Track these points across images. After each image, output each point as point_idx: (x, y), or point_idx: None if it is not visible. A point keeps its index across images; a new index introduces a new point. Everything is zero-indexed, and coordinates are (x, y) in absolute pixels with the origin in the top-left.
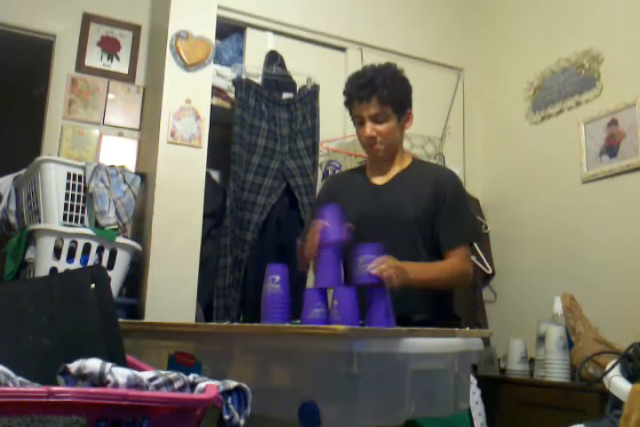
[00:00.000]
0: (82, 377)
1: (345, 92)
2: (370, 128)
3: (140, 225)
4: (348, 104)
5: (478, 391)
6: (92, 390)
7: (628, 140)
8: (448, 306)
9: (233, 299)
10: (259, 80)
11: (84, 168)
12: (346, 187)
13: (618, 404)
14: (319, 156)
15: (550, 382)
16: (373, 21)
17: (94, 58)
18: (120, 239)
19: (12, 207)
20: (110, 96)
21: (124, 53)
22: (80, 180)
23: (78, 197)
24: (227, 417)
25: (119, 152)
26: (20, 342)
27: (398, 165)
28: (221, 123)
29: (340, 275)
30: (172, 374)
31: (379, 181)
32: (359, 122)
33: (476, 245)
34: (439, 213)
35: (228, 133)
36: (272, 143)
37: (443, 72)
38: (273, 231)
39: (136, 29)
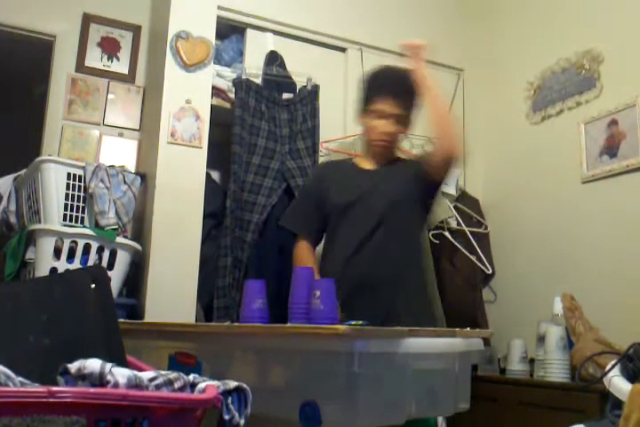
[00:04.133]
0: (82, 377)
1: (373, 84)
2: (387, 125)
3: (140, 225)
4: (371, 95)
5: None
6: (92, 390)
7: (629, 141)
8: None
9: (233, 299)
10: (259, 80)
11: (84, 168)
12: (336, 172)
13: (618, 404)
14: (319, 156)
15: (550, 383)
16: (373, 22)
17: (94, 58)
18: (120, 239)
19: (12, 207)
20: (110, 96)
21: (124, 54)
22: (80, 180)
23: (78, 197)
24: (227, 417)
25: (119, 152)
26: (20, 343)
27: (389, 158)
28: (221, 123)
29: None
30: (173, 375)
31: (368, 167)
32: (376, 116)
33: (475, 244)
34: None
35: (228, 134)
36: (272, 144)
37: (443, 72)
38: (273, 232)
39: (136, 30)
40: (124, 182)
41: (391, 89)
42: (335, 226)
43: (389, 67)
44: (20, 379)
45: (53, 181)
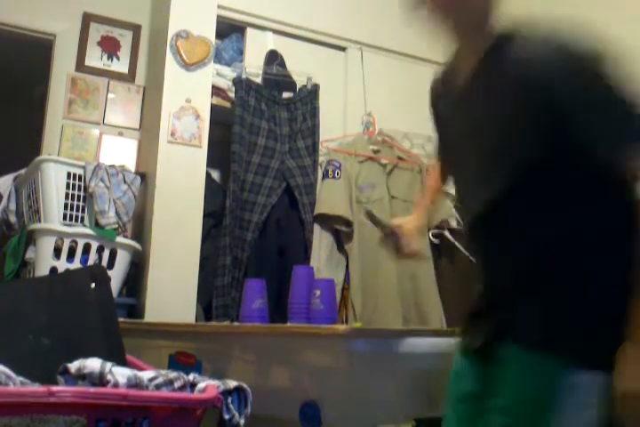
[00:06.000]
0: (82, 377)
1: None
2: None
3: (140, 225)
4: None
5: None
6: (92, 389)
7: None
8: None
9: (232, 298)
10: (259, 79)
11: (84, 168)
12: (440, 93)
13: None
14: (319, 155)
15: None
16: (373, 21)
17: (94, 57)
18: (120, 239)
19: (12, 207)
20: (110, 96)
21: (124, 53)
22: (80, 179)
23: (78, 196)
24: (227, 417)
25: (119, 152)
26: (20, 342)
27: (477, 49)
28: (221, 122)
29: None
30: (172, 374)
31: (460, 78)
32: None
33: None
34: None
35: (228, 133)
36: (272, 143)
37: None
38: (273, 231)
39: (136, 29)
40: (124, 182)
41: None
42: None
43: None
44: (21, 379)
45: (53, 180)
